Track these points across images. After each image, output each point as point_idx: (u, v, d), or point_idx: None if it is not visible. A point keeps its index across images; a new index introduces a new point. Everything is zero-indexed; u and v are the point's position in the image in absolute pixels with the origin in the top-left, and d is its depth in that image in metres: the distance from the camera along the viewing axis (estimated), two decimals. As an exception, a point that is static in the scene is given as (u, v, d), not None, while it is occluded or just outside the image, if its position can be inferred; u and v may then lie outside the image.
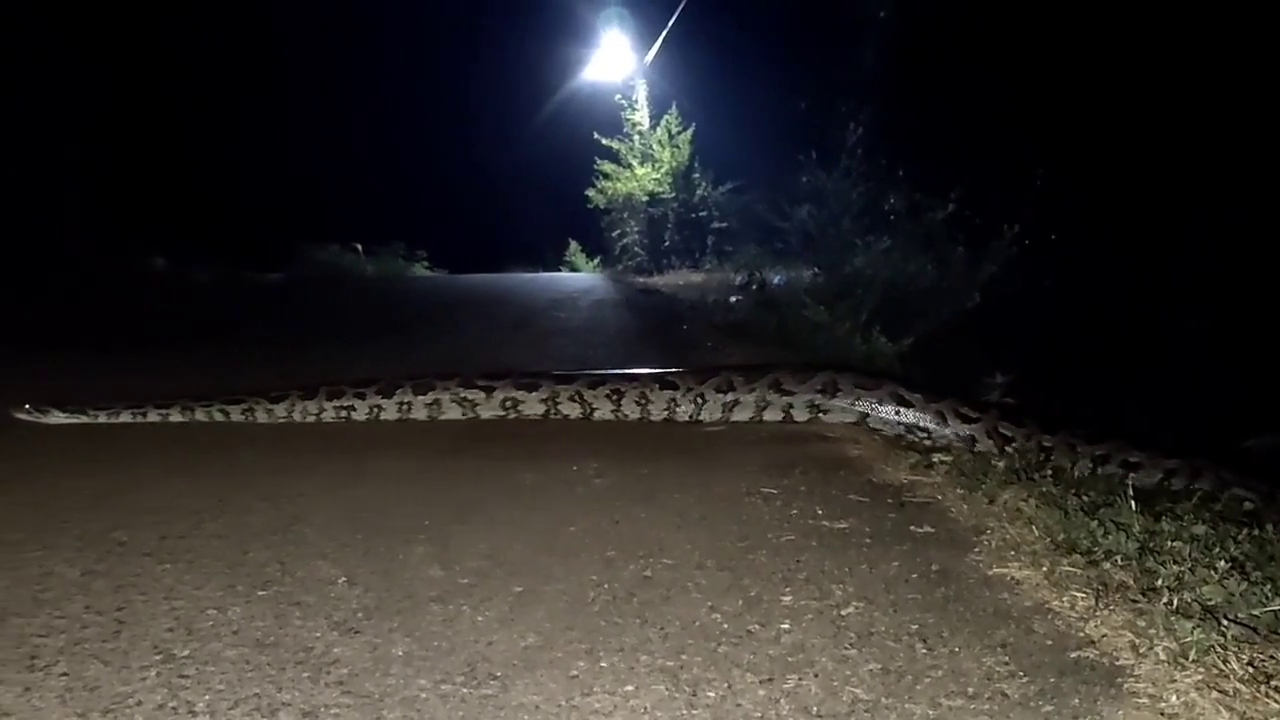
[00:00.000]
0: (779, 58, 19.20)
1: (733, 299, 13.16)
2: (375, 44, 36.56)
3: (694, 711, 2.04)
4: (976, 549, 3.11)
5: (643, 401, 5.19)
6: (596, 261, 28.79)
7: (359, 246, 25.64)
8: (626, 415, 5.22)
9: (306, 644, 2.36)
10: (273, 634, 2.42)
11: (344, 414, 5.24)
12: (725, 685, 2.15)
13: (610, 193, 25.30)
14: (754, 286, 12.06)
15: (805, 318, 8.30)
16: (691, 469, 4.23)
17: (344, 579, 2.82)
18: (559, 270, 29.14)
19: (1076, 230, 10.61)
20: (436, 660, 2.28)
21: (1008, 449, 4.59)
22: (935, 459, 4.23)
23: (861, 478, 4.06)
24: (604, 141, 24.94)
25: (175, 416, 5.13)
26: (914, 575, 2.86)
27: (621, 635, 2.42)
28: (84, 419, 5.02)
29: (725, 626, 2.47)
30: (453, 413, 5.28)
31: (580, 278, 25.03)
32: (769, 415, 5.10)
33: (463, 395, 5.28)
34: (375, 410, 5.25)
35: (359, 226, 26.00)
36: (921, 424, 4.87)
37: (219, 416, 5.16)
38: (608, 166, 25.15)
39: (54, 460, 4.29)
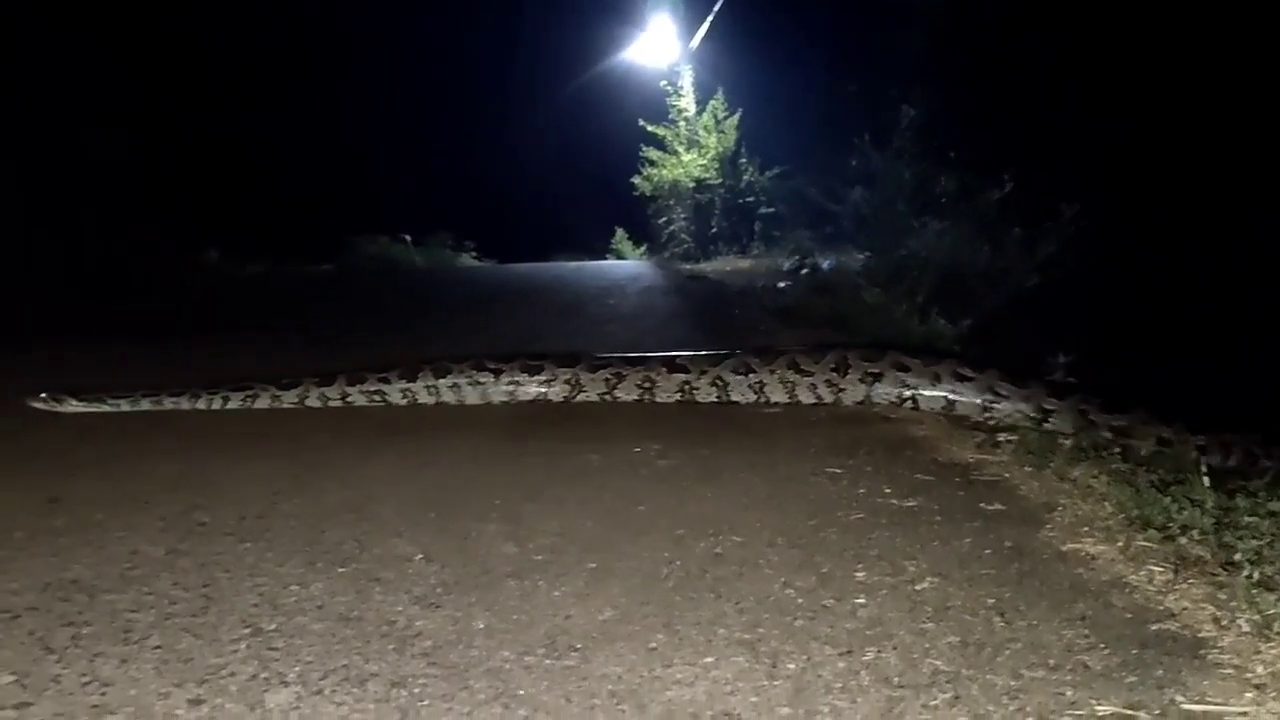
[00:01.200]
0: (826, 41, 19.07)
1: (781, 284, 13.10)
2: (420, 35, 36.79)
3: (775, 682, 2.05)
4: (1049, 525, 3.09)
5: (647, 385, 5.24)
6: (643, 249, 28.78)
7: (408, 238, 25.87)
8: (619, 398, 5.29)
9: (389, 618, 2.41)
10: (356, 608, 2.47)
11: (379, 399, 5.31)
12: (804, 657, 2.17)
13: (656, 180, 25.24)
14: (804, 271, 12.00)
15: (859, 301, 8.26)
16: (753, 450, 4.24)
17: (421, 556, 2.87)
18: (605, 258, 29.18)
19: (1130, 215, 10.43)
20: (517, 633, 2.32)
21: (996, 406, 4.69)
22: (1001, 438, 4.21)
23: (927, 457, 4.05)
24: (649, 128, 24.90)
25: (185, 404, 5.18)
26: (987, 551, 2.86)
27: (697, 610, 2.44)
28: (104, 408, 5.07)
29: (800, 601, 2.48)
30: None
31: (627, 265, 25.05)
32: (778, 396, 5.15)
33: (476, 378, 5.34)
34: (409, 395, 5.32)
35: (407, 218, 26.23)
36: (914, 385, 4.94)
37: (217, 404, 5.20)
38: (653, 153, 25.09)
39: (123, 446, 4.39)
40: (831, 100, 15.63)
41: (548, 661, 2.16)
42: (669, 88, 24.93)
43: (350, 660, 2.18)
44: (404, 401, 5.31)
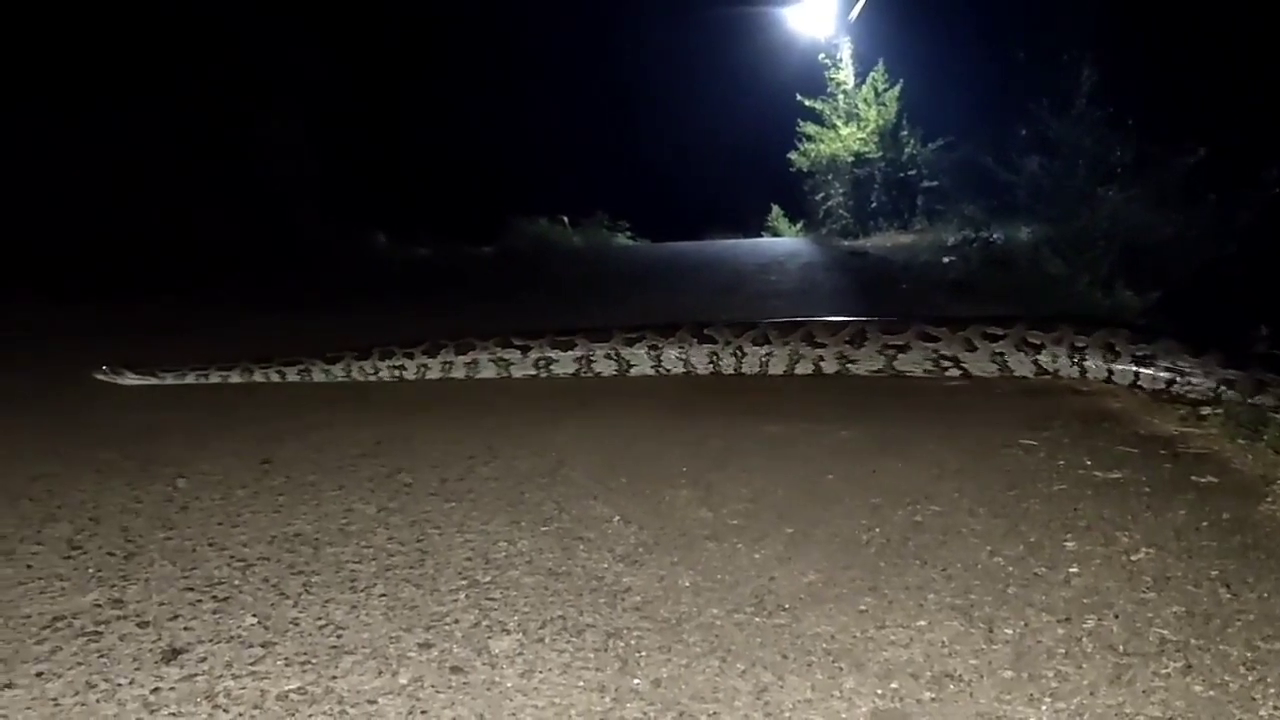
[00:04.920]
0: (991, 7, 18.40)
1: (946, 259, 12.76)
2: (571, 13, 37.01)
3: (994, 647, 2.02)
4: (1269, 499, 2.94)
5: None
6: (799, 226, 28.42)
7: (565, 219, 26.24)
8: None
9: (597, 573, 2.48)
10: (563, 564, 2.55)
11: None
12: (1021, 624, 2.13)
13: (814, 155, 24.88)
14: (975, 244, 11.64)
15: (1036, 273, 7.97)
16: (939, 422, 4.16)
17: (618, 518, 2.94)
18: (760, 236, 28.93)
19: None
20: (723, 592, 2.35)
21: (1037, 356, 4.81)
22: (1205, 411, 4.02)
23: (1127, 430, 3.89)
24: (806, 102, 24.55)
25: (234, 378, 5.40)
26: (1204, 523, 2.73)
27: (903, 575, 2.42)
28: (154, 380, 5.33)
29: (1010, 570, 2.43)
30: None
31: (784, 242, 24.78)
32: (800, 369, 5.20)
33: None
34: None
35: (565, 199, 26.59)
36: (948, 354, 4.94)
37: (275, 377, 5.43)
38: (810, 128, 24.74)
39: (320, 414, 4.63)
40: (998, 68, 15.08)
41: (758, 619, 2.19)
42: (827, 60, 24.50)
43: (565, 612, 2.25)
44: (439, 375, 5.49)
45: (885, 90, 23.25)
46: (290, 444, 4.02)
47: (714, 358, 5.29)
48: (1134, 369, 4.60)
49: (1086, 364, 4.73)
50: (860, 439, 3.91)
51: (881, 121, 23.27)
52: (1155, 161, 9.08)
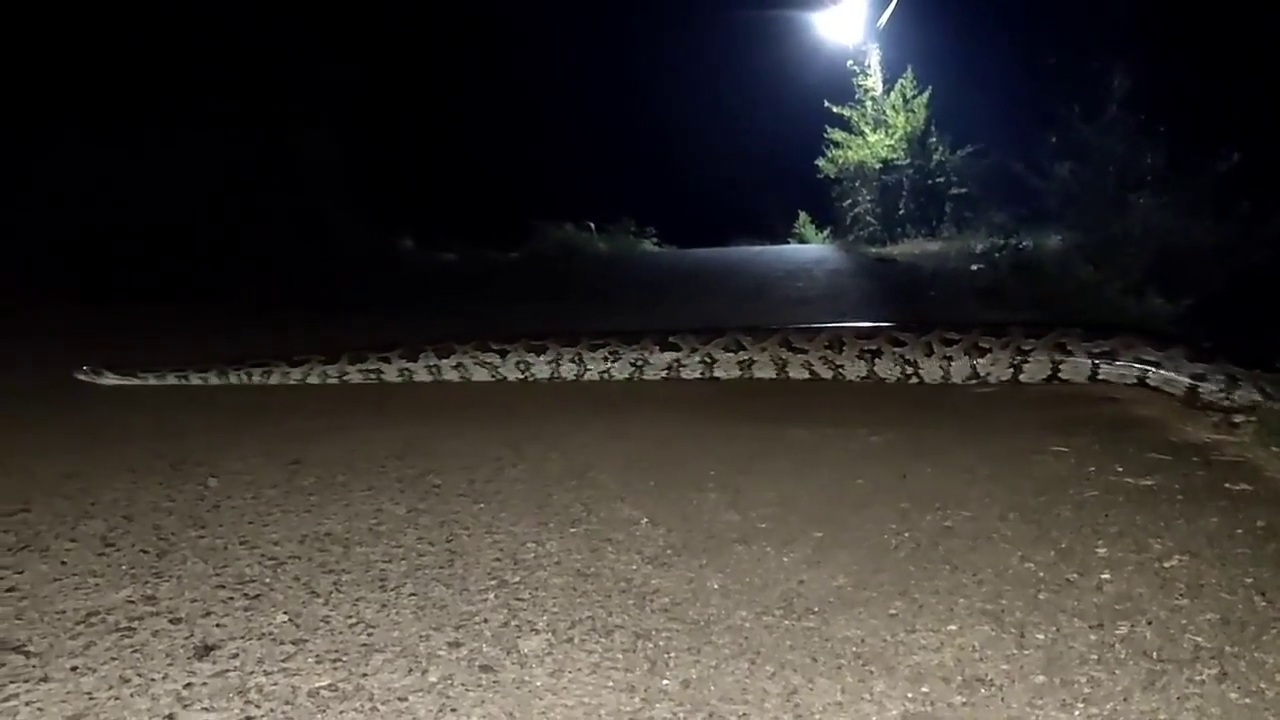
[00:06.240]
0: (1021, 14, 18.34)
1: (974, 266, 12.70)
2: (596, 18, 37.02)
3: (1025, 652, 2.01)
4: (1306, 508, 2.90)
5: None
6: (826, 233, 28.35)
7: (591, 225, 26.26)
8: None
9: (625, 575, 2.48)
10: (592, 565, 2.56)
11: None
12: (1053, 629, 2.11)
13: (841, 161, 24.82)
14: (1004, 251, 11.58)
15: (1066, 280, 7.91)
16: (968, 428, 4.14)
17: (646, 520, 2.94)
18: (787, 243, 28.85)
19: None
20: (752, 594, 2.34)
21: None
22: (1238, 419, 3.98)
23: (1158, 437, 3.85)
24: (834, 109, 24.49)
25: (213, 380, 5.48)
26: (1238, 530, 2.70)
27: (933, 580, 2.41)
28: (135, 381, 5.42)
29: (1041, 575, 2.42)
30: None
31: (811, 249, 24.72)
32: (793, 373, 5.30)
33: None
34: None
35: (589, 205, 26.62)
36: (911, 358, 5.11)
37: (243, 379, 5.50)
38: (838, 134, 24.68)
39: (346, 417, 4.67)
40: (1028, 74, 15.02)
41: (787, 622, 2.18)
42: (855, 67, 24.43)
43: (594, 612, 2.25)
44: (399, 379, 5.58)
45: (913, 97, 23.17)
46: (320, 444, 4.05)
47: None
48: (1091, 363, 4.80)
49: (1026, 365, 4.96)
50: (889, 444, 3.90)
51: (910, 128, 23.19)
52: (1187, 168, 8.99)
